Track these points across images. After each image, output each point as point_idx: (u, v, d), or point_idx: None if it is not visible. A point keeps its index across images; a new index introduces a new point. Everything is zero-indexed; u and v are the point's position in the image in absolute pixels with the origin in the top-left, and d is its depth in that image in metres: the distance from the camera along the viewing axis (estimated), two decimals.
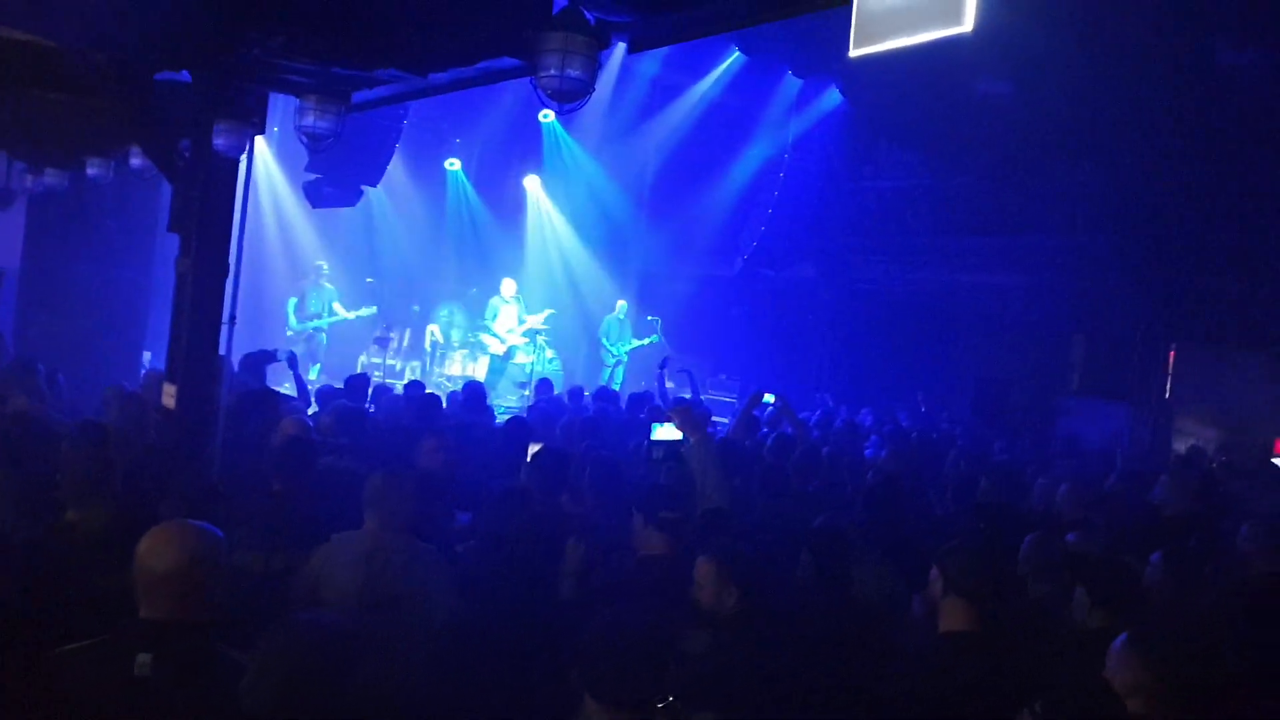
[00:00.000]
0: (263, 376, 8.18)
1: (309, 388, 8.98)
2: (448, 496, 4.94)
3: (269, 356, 8.55)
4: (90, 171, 7.13)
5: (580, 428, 7.04)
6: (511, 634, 3.37)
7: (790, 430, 7.29)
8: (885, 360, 14.23)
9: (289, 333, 12.69)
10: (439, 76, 4.37)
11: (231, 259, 5.90)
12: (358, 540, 3.84)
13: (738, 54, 11.61)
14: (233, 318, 6.00)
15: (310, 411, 7.34)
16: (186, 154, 5.76)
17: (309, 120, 4.72)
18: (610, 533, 4.58)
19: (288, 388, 8.63)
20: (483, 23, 3.72)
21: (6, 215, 9.51)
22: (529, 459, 5.02)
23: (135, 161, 6.32)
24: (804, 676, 3.19)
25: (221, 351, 6.05)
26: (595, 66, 3.63)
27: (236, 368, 7.60)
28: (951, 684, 3.03)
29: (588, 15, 3.58)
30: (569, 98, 3.58)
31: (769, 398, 7.79)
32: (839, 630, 3.56)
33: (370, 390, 8.62)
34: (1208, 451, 10.97)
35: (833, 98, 12.62)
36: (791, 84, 12.39)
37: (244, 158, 5.74)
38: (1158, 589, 4.04)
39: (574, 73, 3.57)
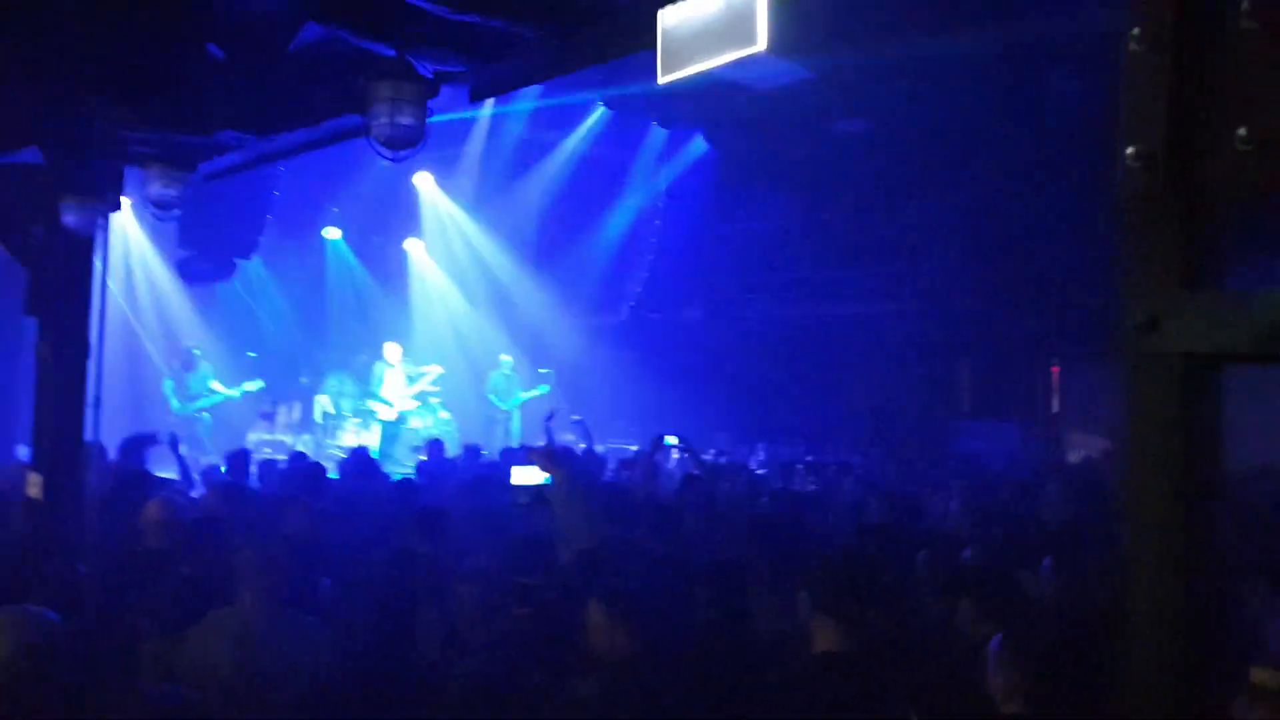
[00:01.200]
0: (143, 461, 7.93)
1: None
2: (314, 562, 4.89)
3: (149, 439, 8.31)
4: None
5: (469, 485, 7.05)
6: (381, 691, 3.35)
7: (697, 472, 7.35)
8: (778, 396, 14.57)
9: (173, 414, 12.29)
10: (286, 138, 4.41)
11: (94, 339, 5.78)
12: (231, 617, 3.80)
13: (602, 108, 11.95)
14: (98, 400, 5.83)
15: (195, 494, 7.17)
16: (39, 236, 5.64)
17: (154, 189, 4.68)
18: (501, 584, 4.61)
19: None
20: (321, 81, 3.80)
21: None
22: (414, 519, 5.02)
23: None
24: (696, 714, 3.23)
25: (88, 436, 5.87)
26: (424, 114, 3.73)
27: (114, 453, 7.37)
28: (820, 705, 3.05)
29: (421, 68, 3.70)
30: (401, 145, 3.69)
31: (671, 440, 7.85)
32: (737, 665, 3.56)
33: (255, 466, 8.44)
34: (1099, 462, 11.39)
35: (699, 145, 13.08)
36: (658, 134, 12.80)
37: (100, 235, 5.66)
38: (1051, 596, 4.21)
39: (405, 120, 3.68)
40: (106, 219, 5.45)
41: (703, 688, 3.31)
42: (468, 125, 12.40)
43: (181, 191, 4.85)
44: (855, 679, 3.07)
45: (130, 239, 13.14)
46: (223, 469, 8.44)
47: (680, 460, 8.23)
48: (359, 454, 8.84)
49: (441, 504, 7.01)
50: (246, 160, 5.19)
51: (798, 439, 13.18)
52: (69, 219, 4.98)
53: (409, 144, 3.66)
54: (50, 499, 5.56)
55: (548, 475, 4.76)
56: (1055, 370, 13.37)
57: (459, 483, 7.40)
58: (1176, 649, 1.26)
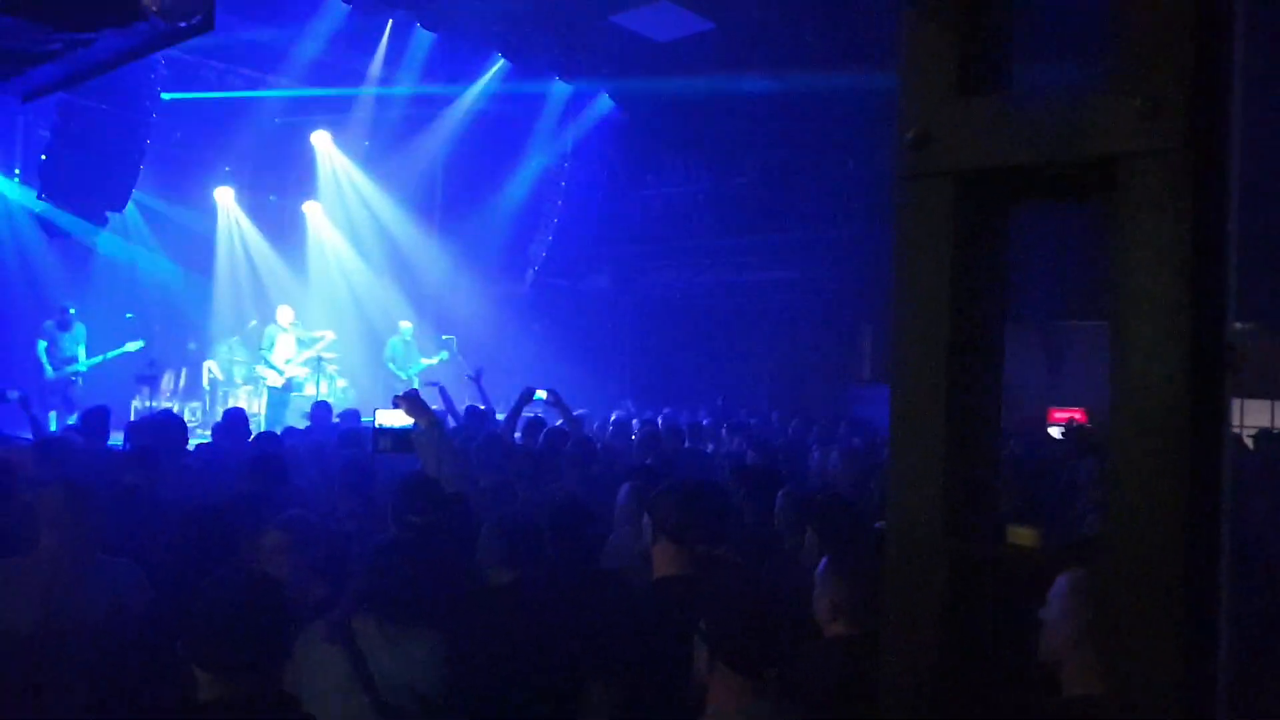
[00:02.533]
0: None
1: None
2: (154, 514, 4.54)
3: None
4: None
5: (340, 440, 6.75)
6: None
7: (564, 425, 7.21)
8: (684, 362, 14.44)
9: (47, 380, 11.54)
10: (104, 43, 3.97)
11: None
12: (30, 565, 3.45)
13: (501, 61, 11.52)
14: None
15: None
16: None
17: None
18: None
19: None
20: None
21: None
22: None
23: None
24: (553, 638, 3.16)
25: None
26: None
27: None
28: (653, 627, 3.02)
29: None
30: (179, 14, 3.28)
31: (541, 394, 7.64)
32: (585, 593, 3.52)
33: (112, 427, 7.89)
34: None
35: (605, 103, 12.76)
36: (561, 90, 12.42)
37: None
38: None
39: None
40: None
41: (555, 613, 3.28)
42: (360, 78, 11.88)
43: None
44: (683, 600, 2.94)
45: None
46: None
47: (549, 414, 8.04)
48: (232, 414, 8.37)
49: (299, 456, 6.76)
50: (70, 73, 4.69)
51: (703, 407, 13.04)
52: None
53: (190, 14, 3.26)
54: None
55: (412, 420, 4.49)
56: None
57: (328, 439, 7.06)
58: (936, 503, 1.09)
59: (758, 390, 14.78)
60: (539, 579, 3.46)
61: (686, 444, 8.49)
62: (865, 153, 12.90)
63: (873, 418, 12.42)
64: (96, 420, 7.55)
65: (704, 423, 10.69)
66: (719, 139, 13.28)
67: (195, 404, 13.62)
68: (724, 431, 9.61)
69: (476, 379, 10.33)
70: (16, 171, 11.70)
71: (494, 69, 11.74)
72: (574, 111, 12.80)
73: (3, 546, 3.59)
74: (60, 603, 3.43)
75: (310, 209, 15.24)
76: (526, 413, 7.84)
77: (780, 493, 4.57)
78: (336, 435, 7.14)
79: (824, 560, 2.81)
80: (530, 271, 13.74)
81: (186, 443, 7.28)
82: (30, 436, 7.57)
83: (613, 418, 10.25)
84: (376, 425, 4.58)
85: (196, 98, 11.94)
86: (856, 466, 6.36)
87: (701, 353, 14.56)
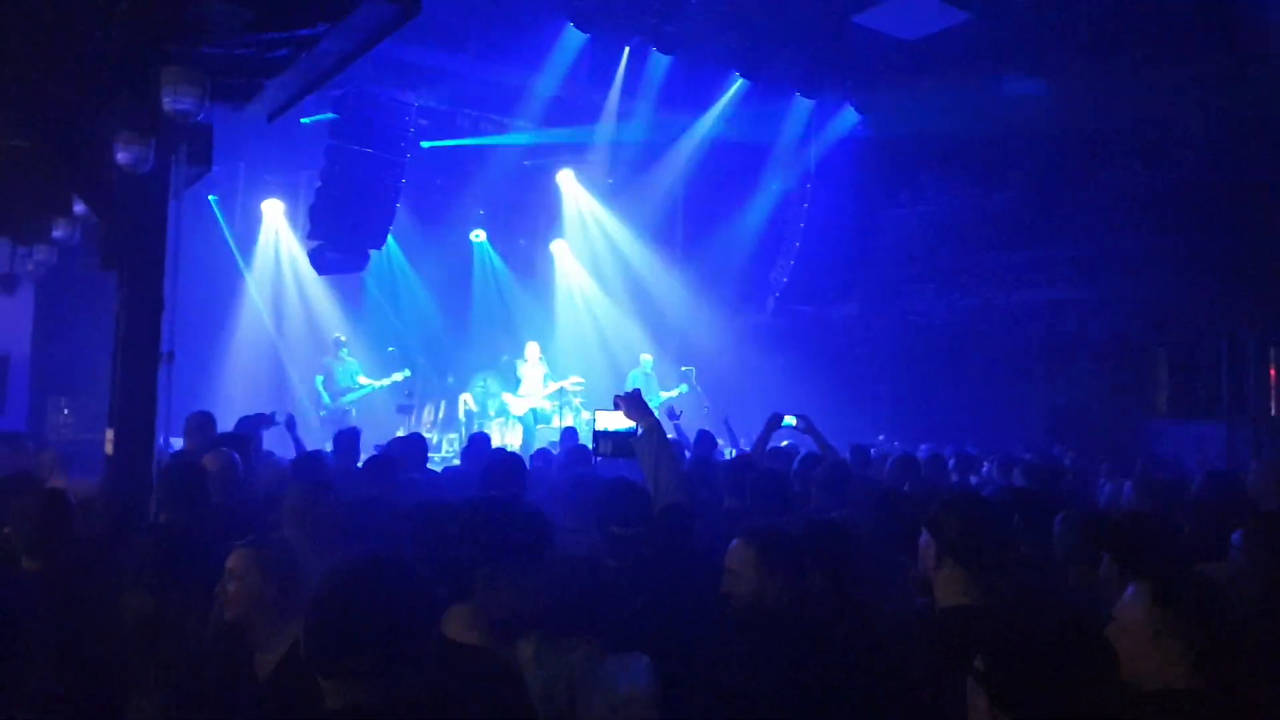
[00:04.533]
0: (258, 443, 7.82)
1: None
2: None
3: (266, 419, 8.27)
4: (57, 233, 6.92)
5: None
6: None
7: (817, 451, 6.61)
8: (946, 394, 13.23)
9: (322, 412, 12.39)
10: (325, 46, 3.94)
11: (167, 292, 5.54)
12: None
13: (740, 81, 11.13)
14: (171, 354, 5.58)
15: None
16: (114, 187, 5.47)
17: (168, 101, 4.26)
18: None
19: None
20: None
21: (12, 301, 9.45)
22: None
23: (78, 207, 6.06)
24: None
25: (162, 392, 5.62)
26: None
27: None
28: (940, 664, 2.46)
29: None
30: None
31: (790, 420, 7.04)
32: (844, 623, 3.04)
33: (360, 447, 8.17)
34: None
35: (850, 117, 12.03)
36: (802, 106, 11.84)
37: (172, 181, 5.43)
38: (1240, 573, 3.16)
39: None
40: (170, 159, 5.18)
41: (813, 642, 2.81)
42: (598, 111, 11.93)
43: (195, 103, 4.35)
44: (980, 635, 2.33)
45: (280, 235, 13.53)
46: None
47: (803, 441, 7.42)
48: (476, 437, 8.50)
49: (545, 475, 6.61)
50: (302, 85, 4.78)
51: (967, 443, 11.81)
52: (121, 156, 4.71)
53: None
54: (122, 454, 5.33)
55: (633, 423, 4.10)
56: (1273, 369, 11.35)
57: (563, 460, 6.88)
58: None
59: (1029, 423, 13.25)
60: (792, 604, 2.95)
61: (955, 478, 7.59)
62: (1157, 152, 11.29)
63: (1177, 456, 10.67)
64: (347, 441, 7.82)
65: (971, 454, 9.61)
66: (980, 147, 12.14)
67: (452, 435, 14.16)
68: (993, 466, 8.48)
69: (726, 422, 10.09)
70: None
71: (732, 90, 11.40)
72: (816, 128, 12.17)
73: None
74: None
75: (557, 248, 15.67)
76: (777, 440, 7.34)
77: (1059, 516, 3.82)
78: (563, 453, 6.94)
79: (1131, 590, 2.04)
80: (772, 299, 13.16)
81: (426, 459, 7.38)
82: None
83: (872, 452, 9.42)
84: (596, 428, 4.17)
85: (450, 145, 12.50)
86: (1159, 500, 5.22)
87: (964, 383, 13.28)
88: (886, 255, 13.69)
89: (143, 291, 5.45)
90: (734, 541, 2.96)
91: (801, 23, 9.41)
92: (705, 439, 9.12)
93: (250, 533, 4.29)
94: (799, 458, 6.50)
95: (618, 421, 4.20)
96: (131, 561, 3.73)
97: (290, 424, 8.49)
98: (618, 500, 3.51)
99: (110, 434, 5.43)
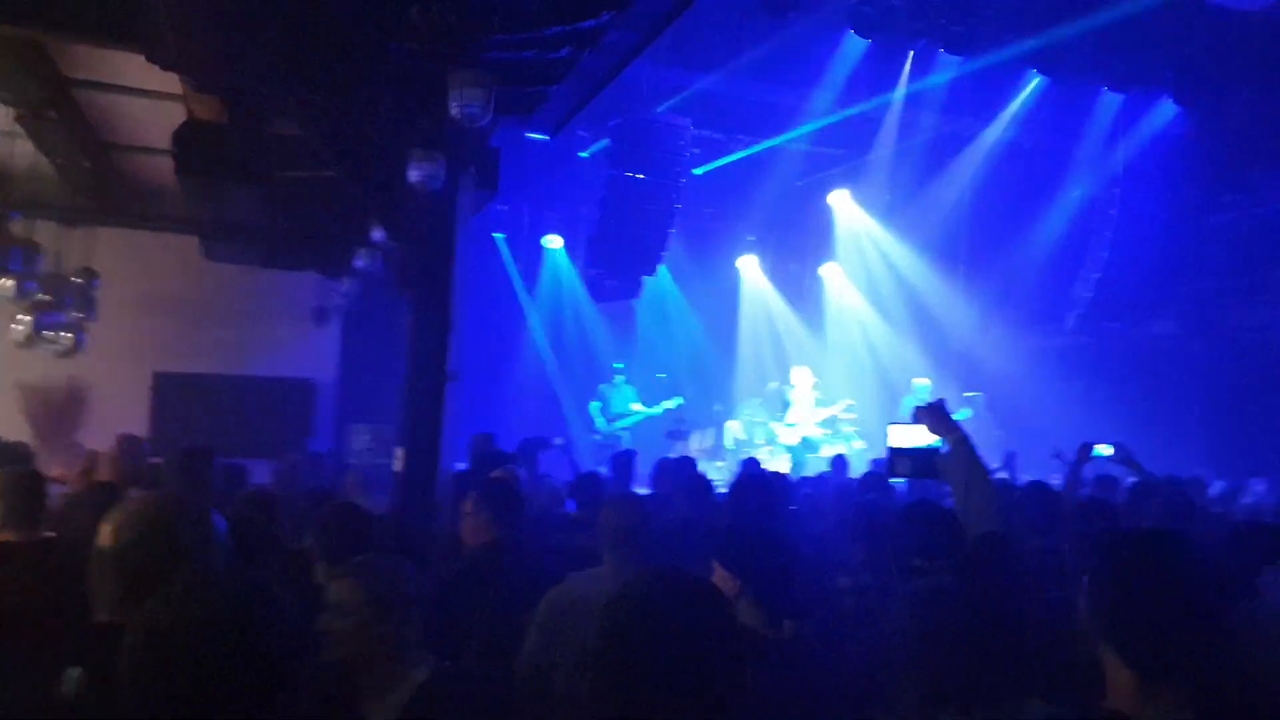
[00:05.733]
0: (535, 464, 7.97)
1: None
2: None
3: (543, 443, 8.44)
4: (359, 263, 7.39)
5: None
6: None
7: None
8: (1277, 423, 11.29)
9: (596, 436, 12.62)
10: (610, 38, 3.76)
11: (454, 313, 5.66)
12: (594, 581, 3.33)
13: (1037, 78, 10.10)
14: (455, 374, 5.69)
15: None
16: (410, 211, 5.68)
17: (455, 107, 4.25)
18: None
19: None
20: None
21: (322, 333, 10.33)
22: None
23: (376, 235, 6.39)
24: None
25: (448, 410, 5.74)
26: None
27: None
28: None
29: None
30: None
31: (1102, 449, 6.11)
32: None
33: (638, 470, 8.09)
34: None
35: (1166, 111, 10.57)
36: (1109, 103, 10.55)
37: (462, 203, 5.55)
38: None
39: None
40: (458, 181, 5.29)
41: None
42: (878, 124, 11.31)
43: (482, 107, 4.32)
44: None
45: (559, 267, 14.04)
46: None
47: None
48: (748, 462, 8.20)
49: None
50: (583, 93, 4.68)
51: None
52: (413, 174, 4.83)
53: None
54: (411, 472, 5.47)
55: (939, 438, 3.54)
56: None
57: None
58: None
59: None
60: None
61: None
62: None
63: None
64: (623, 462, 7.76)
65: None
66: None
67: (720, 463, 13.97)
68: None
69: (1009, 457, 9.09)
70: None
71: (1027, 90, 10.38)
72: (1125, 126, 10.83)
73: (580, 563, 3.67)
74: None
75: (828, 271, 15.14)
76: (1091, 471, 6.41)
77: None
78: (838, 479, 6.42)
79: None
80: (1072, 316, 11.82)
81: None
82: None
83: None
84: (891, 446, 3.66)
85: (720, 164, 12.37)
86: None
87: None
88: (1210, 264, 11.94)
89: (431, 311, 5.59)
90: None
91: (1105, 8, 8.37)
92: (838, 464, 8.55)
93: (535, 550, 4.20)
94: (1127, 487, 5.60)
95: (915, 438, 3.65)
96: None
97: (567, 447, 8.64)
98: (920, 528, 2.99)
99: (400, 453, 5.58)
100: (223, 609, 1.36)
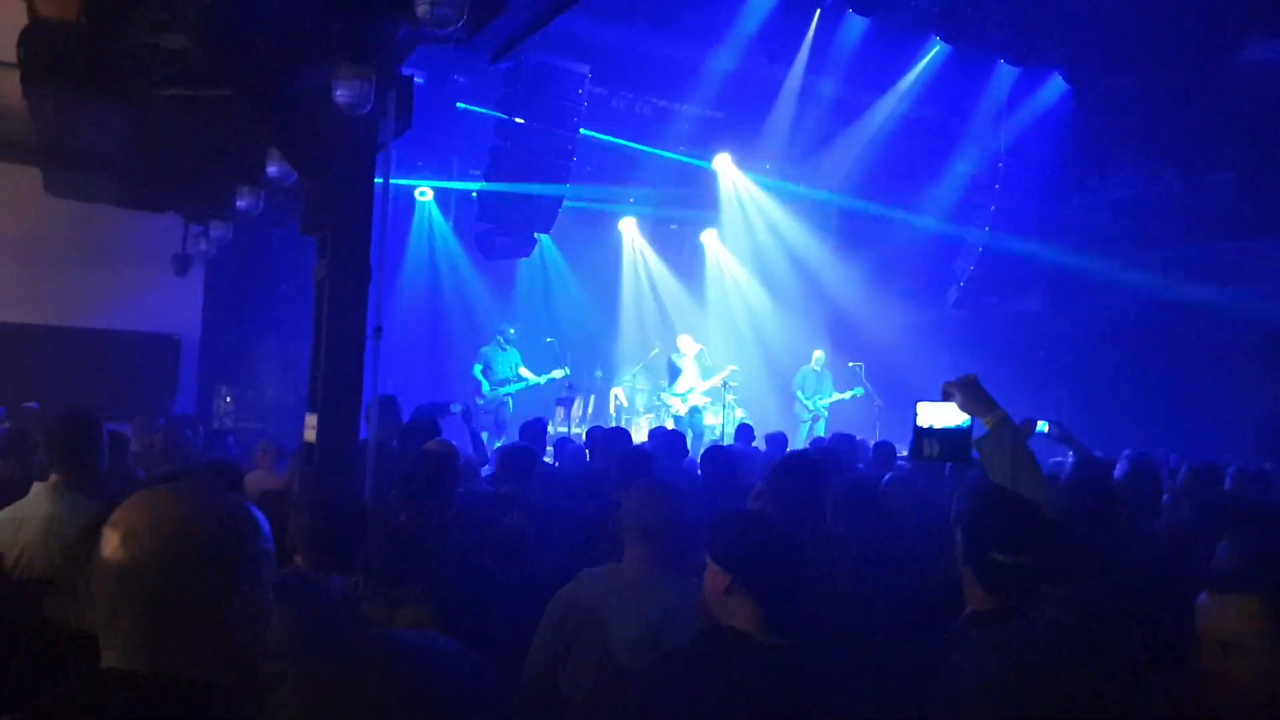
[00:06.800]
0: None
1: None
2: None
3: (441, 409, 7.86)
4: (240, 203, 6.51)
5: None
6: None
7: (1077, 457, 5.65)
8: (1137, 399, 11.96)
9: (480, 400, 11.94)
10: None
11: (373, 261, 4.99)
12: (620, 576, 2.87)
13: (937, 47, 10.12)
14: (379, 330, 5.04)
15: (484, 471, 6.43)
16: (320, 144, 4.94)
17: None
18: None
19: None
20: None
21: (184, 282, 9.20)
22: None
23: (271, 169, 5.58)
24: None
25: (369, 375, 5.07)
26: None
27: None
28: None
29: None
30: None
31: (1043, 425, 6.07)
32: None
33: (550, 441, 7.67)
34: None
35: (1055, 87, 10.84)
36: (1004, 76, 10.72)
37: (382, 137, 4.87)
38: None
39: None
40: (385, 101, 4.61)
41: None
42: (774, 90, 11.09)
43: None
44: None
45: (434, 222, 13.17)
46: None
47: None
48: (660, 431, 7.86)
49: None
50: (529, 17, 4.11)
51: (1173, 453, 10.56)
52: (340, 94, 4.15)
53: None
54: (327, 442, 4.78)
55: (970, 417, 3.17)
56: None
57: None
58: None
59: (1237, 434, 11.83)
60: None
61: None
62: None
63: None
64: (535, 432, 7.26)
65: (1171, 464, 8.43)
66: (1194, 124, 10.83)
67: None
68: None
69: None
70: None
71: (926, 58, 10.39)
72: (1015, 102, 11.05)
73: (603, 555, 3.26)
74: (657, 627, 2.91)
75: (708, 237, 14.94)
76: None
77: None
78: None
79: None
80: (955, 289, 12.09)
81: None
82: (471, 450, 7.49)
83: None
84: (918, 425, 3.31)
85: (605, 139, 11.89)
86: None
87: (1158, 387, 11.97)
88: (1072, 245, 12.46)
89: (349, 259, 4.89)
90: (1225, 596, 1.86)
91: None
92: (744, 433, 8.59)
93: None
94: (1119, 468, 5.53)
95: (948, 416, 3.32)
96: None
97: (466, 415, 8.03)
98: (1000, 516, 2.67)
99: (312, 420, 4.88)
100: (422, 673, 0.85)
